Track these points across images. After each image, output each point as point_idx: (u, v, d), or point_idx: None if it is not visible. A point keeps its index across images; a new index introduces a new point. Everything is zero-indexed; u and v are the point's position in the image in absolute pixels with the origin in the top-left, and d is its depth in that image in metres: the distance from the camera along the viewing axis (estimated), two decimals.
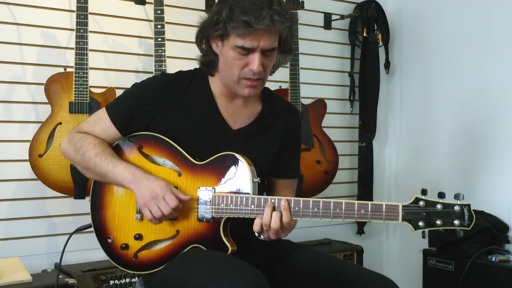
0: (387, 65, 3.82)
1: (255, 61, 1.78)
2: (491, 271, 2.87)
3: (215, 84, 1.93)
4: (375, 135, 3.79)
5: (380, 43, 3.77)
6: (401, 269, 3.82)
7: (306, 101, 3.35)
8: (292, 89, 3.20)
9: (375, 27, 3.74)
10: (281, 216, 1.74)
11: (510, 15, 3.21)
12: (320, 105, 3.39)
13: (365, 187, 3.74)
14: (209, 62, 1.90)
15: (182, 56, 3.14)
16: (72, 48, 2.73)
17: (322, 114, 3.38)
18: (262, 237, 1.80)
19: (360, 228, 3.79)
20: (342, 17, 3.67)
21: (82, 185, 2.63)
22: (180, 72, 1.99)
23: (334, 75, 3.77)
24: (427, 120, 3.68)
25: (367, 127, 3.74)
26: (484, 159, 3.31)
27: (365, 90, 3.72)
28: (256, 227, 1.76)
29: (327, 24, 3.71)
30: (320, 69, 3.68)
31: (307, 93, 3.48)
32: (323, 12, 3.69)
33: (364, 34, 3.70)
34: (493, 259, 2.90)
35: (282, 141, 1.99)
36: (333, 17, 3.71)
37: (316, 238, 3.51)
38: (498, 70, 3.26)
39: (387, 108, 3.94)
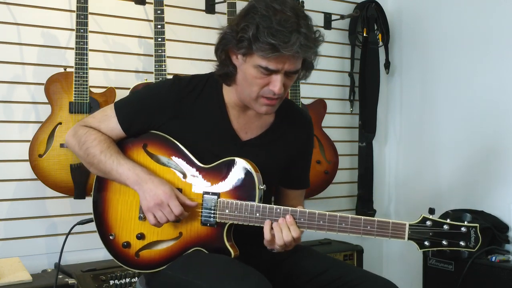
0: (387, 65, 3.82)
1: (277, 82, 1.71)
2: (491, 271, 2.87)
3: (229, 93, 1.88)
4: (375, 135, 3.79)
5: (380, 43, 3.77)
6: (401, 269, 3.82)
7: (306, 101, 3.35)
8: (292, 89, 3.20)
9: (375, 27, 3.73)
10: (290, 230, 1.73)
11: (510, 15, 3.21)
12: (320, 105, 3.39)
13: (365, 187, 3.74)
14: (226, 74, 1.82)
15: (182, 56, 3.14)
16: (72, 48, 2.73)
17: (322, 114, 3.38)
18: (275, 250, 1.79)
19: None
20: (342, 17, 3.67)
21: (82, 185, 2.63)
22: (194, 77, 1.92)
23: (334, 75, 3.77)
24: (427, 120, 3.68)
25: (367, 127, 3.74)
26: (484, 159, 3.31)
27: (365, 90, 3.72)
28: (267, 243, 1.76)
29: (327, 24, 3.71)
30: (320, 69, 3.67)
31: (307, 93, 3.48)
32: (323, 12, 3.69)
33: (364, 34, 3.70)
34: (493, 259, 2.89)
35: (292, 153, 1.96)
36: (333, 17, 3.71)
37: (316, 238, 3.51)
38: (498, 70, 3.26)
39: (387, 108, 3.94)
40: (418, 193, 3.69)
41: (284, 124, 1.95)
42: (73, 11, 2.72)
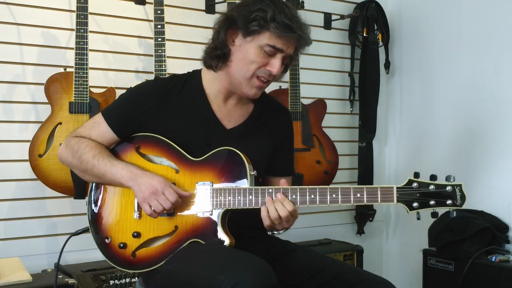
0: (387, 65, 3.82)
1: (276, 63, 1.86)
2: (491, 271, 2.87)
3: (212, 83, 1.96)
4: (375, 135, 3.79)
5: (380, 43, 3.77)
6: (401, 269, 3.82)
7: (306, 101, 3.35)
8: (292, 89, 3.20)
9: (375, 27, 3.73)
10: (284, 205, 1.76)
11: (509, 14, 3.21)
12: (320, 105, 3.39)
13: None
14: (224, 55, 1.90)
15: (182, 56, 3.14)
16: (72, 48, 2.73)
17: (322, 114, 3.38)
18: (275, 232, 1.84)
19: (360, 228, 3.79)
20: (342, 17, 3.67)
21: (82, 185, 2.62)
22: (174, 75, 2.03)
23: (334, 75, 3.77)
24: (427, 120, 3.68)
25: (367, 127, 3.74)
26: (484, 159, 3.31)
27: (365, 90, 3.71)
28: (266, 221, 1.78)
29: (327, 24, 3.71)
30: (320, 69, 3.68)
31: (307, 93, 3.48)
32: (323, 12, 3.69)
33: (364, 34, 3.70)
34: (493, 259, 2.89)
35: (275, 140, 2.03)
36: (333, 17, 3.71)
37: (316, 238, 3.51)
38: (498, 70, 3.26)
39: (387, 108, 3.94)
40: None
41: (265, 112, 2.03)
42: (73, 11, 2.72)
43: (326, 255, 2.01)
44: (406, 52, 3.83)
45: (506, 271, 2.82)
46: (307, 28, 1.89)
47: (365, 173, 3.73)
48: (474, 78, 3.39)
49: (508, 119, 3.21)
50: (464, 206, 1.72)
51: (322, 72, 3.69)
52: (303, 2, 3.29)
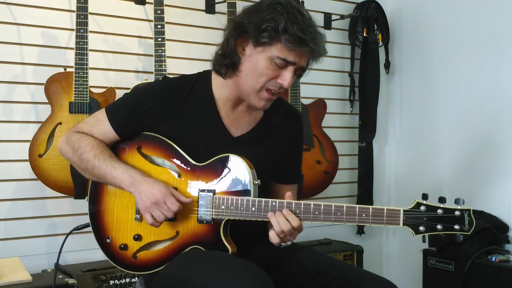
0: (387, 65, 3.82)
1: (288, 76, 1.77)
2: (491, 271, 2.87)
3: (221, 89, 1.90)
4: (375, 135, 3.79)
5: (380, 43, 3.77)
6: (401, 269, 3.82)
7: (306, 101, 3.35)
8: (292, 89, 3.20)
9: (375, 27, 3.74)
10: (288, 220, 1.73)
11: (509, 14, 3.21)
12: (320, 105, 3.39)
13: (365, 187, 3.74)
14: (233, 63, 1.82)
15: (182, 56, 3.14)
16: (72, 48, 2.73)
17: (322, 114, 3.38)
18: (283, 244, 1.80)
19: (360, 228, 3.79)
20: (342, 17, 3.67)
21: (82, 185, 2.62)
22: (182, 76, 1.97)
23: (334, 75, 3.77)
24: (427, 120, 3.68)
25: (367, 127, 3.74)
26: (484, 159, 3.31)
27: (365, 90, 3.72)
28: (274, 239, 1.76)
29: (327, 24, 3.71)
30: (320, 69, 3.67)
31: (307, 93, 3.48)
32: (323, 12, 3.69)
33: (364, 34, 3.70)
34: (493, 259, 2.89)
35: (283, 147, 1.98)
36: (333, 17, 3.71)
37: (316, 238, 3.51)
38: (498, 70, 3.26)
39: (387, 108, 3.94)
40: (418, 193, 3.65)
41: (274, 119, 1.97)
42: (73, 11, 2.72)
43: (328, 256, 1.99)
44: (406, 52, 3.83)
45: (506, 271, 2.82)
46: (322, 38, 1.79)
47: (365, 173, 3.73)
48: (474, 78, 3.39)
49: (508, 119, 3.21)
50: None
51: (322, 72, 3.69)
52: (303, 2, 3.29)
